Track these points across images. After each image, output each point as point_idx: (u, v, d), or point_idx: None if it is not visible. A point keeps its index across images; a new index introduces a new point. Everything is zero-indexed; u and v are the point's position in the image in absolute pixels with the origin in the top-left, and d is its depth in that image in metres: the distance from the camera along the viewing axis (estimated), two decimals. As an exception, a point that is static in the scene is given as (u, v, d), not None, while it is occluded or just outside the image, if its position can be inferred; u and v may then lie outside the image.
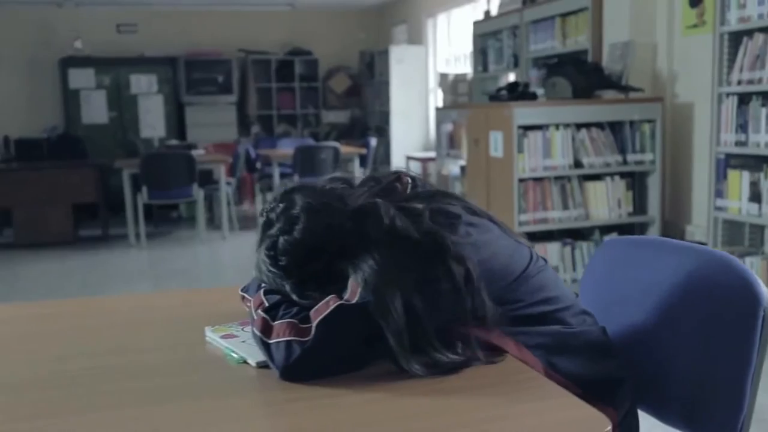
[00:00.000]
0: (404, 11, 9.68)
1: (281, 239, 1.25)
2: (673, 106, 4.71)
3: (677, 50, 4.71)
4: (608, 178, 4.55)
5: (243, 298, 1.51)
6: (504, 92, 4.77)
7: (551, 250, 4.49)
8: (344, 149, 7.89)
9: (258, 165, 8.25)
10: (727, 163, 4.03)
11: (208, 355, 1.32)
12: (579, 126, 4.46)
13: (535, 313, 1.33)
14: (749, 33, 3.85)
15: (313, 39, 10.29)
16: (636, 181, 4.65)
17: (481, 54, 6.85)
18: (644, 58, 4.83)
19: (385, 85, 9.24)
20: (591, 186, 4.53)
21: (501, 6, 6.53)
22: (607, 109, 4.52)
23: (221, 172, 7.15)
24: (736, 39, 3.94)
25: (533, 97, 4.71)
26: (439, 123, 7.92)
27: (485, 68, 6.83)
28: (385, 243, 1.20)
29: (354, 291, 1.17)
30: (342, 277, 1.21)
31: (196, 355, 1.33)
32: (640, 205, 4.65)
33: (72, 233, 7.13)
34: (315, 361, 1.15)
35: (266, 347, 1.18)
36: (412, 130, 9.12)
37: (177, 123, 9.86)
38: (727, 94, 3.98)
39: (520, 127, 4.30)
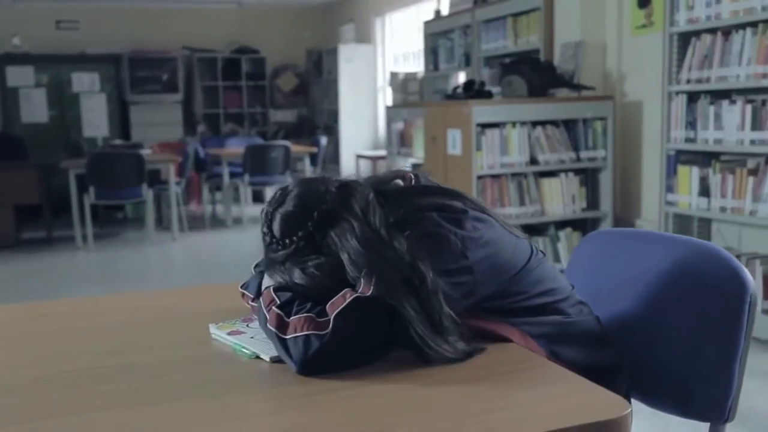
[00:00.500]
0: (352, 10, 9.69)
1: (276, 215, 1.28)
2: (622, 104, 4.85)
3: (626, 50, 4.85)
4: (563, 175, 4.66)
5: (243, 295, 1.52)
6: (460, 90, 4.83)
7: (509, 246, 4.56)
8: (295, 148, 7.86)
9: (207, 164, 8.15)
10: (677, 159, 4.17)
11: (216, 352, 1.32)
12: (534, 124, 4.56)
13: (537, 304, 1.37)
14: (697, 34, 4.00)
15: (259, 37, 10.22)
16: (589, 177, 4.77)
17: (432, 53, 6.92)
18: (595, 57, 4.96)
19: (333, 83, 9.24)
20: (546, 182, 4.63)
21: (452, 6, 6.61)
22: (562, 107, 4.63)
23: (170, 172, 7.05)
24: (684, 39, 4.08)
25: (489, 95, 4.78)
26: (389, 121, 7.97)
27: (436, 67, 6.90)
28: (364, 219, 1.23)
29: (368, 283, 1.18)
30: (327, 246, 1.24)
31: (203, 352, 1.33)
32: (593, 200, 4.78)
33: (14, 236, 6.92)
34: (333, 354, 1.17)
35: (282, 343, 1.19)
36: (361, 128, 9.14)
37: (121, 122, 9.67)
38: (677, 93, 4.12)
39: (478, 124, 4.37)
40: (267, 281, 1.37)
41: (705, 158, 4.10)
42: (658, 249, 1.59)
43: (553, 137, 4.61)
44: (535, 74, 4.60)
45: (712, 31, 3.90)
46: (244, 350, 1.29)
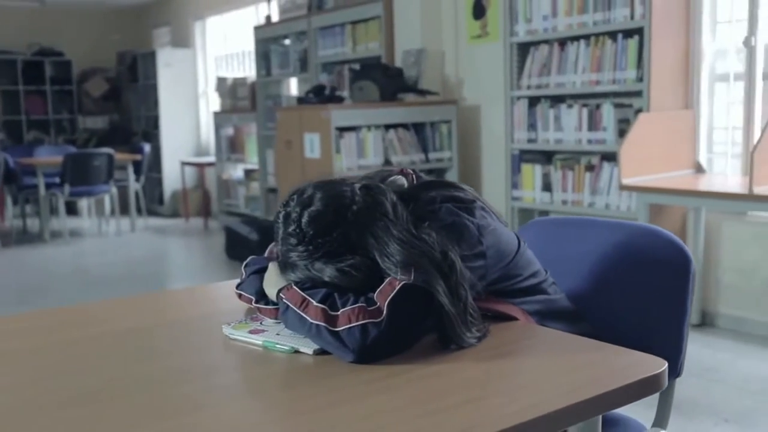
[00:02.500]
0: (166, 13, 9.39)
1: (305, 214, 1.31)
2: (462, 108, 5.18)
3: (463, 58, 5.19)
4: (414, 175, 4.88)
5: (240, 296, 1.52)
6: (312, 95, 4.92)
7: (368, 245, 4.72)
8: (117, 156, 7.50)
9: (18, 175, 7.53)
10: (520, 158, 4.55)
11: (241, 352, 1.32)
12: (387, 127, 4.75)
13: (529, 285, 1.51)
14: (536, 44, 4.40)
15: (64, 39, 9.59)
16: (437, 177, 5.04)
17: (263, 58, 6.92)
18: (435, 64, 5.26)
19: (152, 88, 8.90)
20: (399, 183, 4.83)
21: (283, 12, 6.66)
22: (411, 111, 4.86)
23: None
24: (523, 49, 4.47)
25: (340, 100, 4.91)
26: (218, 127, 7.86)
27: (269, 72, 6.91)
28: (396, 221, 1.31)
29: (408, 274, 1.26)
30: (363, 246, 1.30)
31: (225, 353, 1.33)
32: (441, 199, 5.05)
33: None
34: (389, 340, 1.23)
35: (334, 335, 1.23)
36: (183, 134, 8.89)
37: None
38: (518, 98, 4.50)
39: (336, 128, 4.48)
40: (277, 281, 1.39)
41: (545, 157, 4.51)
42: (599, 233, 1.80)
43: (405, 140, 4.84)
44: (386, 79, 4.80)
45: (550, 42, 4.31)
46: (278, 346, 1.31)
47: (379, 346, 1.22)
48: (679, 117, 3.88)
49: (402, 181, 1.48)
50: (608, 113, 4.01)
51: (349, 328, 1.22)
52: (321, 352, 1.27)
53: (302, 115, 4.69)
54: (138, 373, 1.22)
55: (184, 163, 8.43)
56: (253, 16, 7.97)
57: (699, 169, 3.97)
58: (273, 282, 1.41)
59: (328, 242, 1.31)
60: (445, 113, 4.98)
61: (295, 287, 1.32)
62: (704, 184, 3.68)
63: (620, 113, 3.98)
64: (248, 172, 7.53)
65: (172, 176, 8.78)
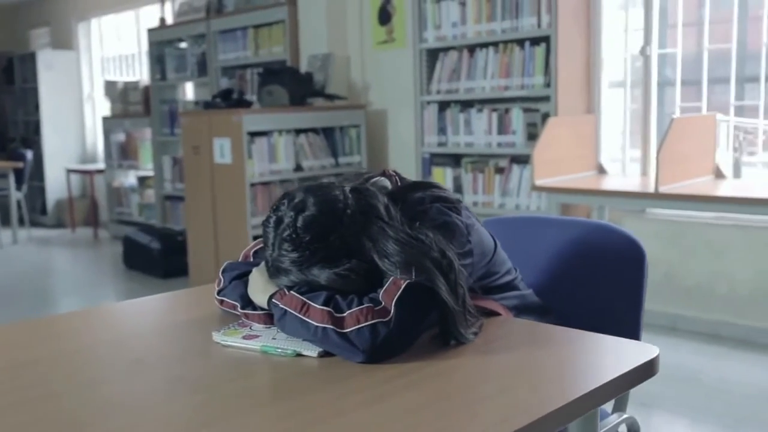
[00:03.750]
0: (45, 13, 8.93)
1: (299, 219, 1.31)
2: (369, 113, 5.23)
3: (369, 63, 5.25)
4: (324, 180, 4.88)
5: (222, 302, 1.49)
6: (219, 100, 4.83)
7: (281, 251, 4.68)
8: (-3, 163, 7.07)
9: None
10: (431, 161, 4.65)
11: (237, 359, 1.30)
12: (298, 131, 4.74)
13: (505, 282, 1.57)
14: (445, 50, 4.51)
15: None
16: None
17: (158, 62, 6.72)
18: (341, 68, 5.28)
19: (31, 92, 8.44)
20: (310, 188, 4.82)
21: (179, 14, 6.49)
22: (321, 116, 4.87)
23: None
24: (433, 55, 4.57)
25: (249, 104, 4.85)
26: (107, 133, 7.56)
27: (164, 76, 6.71)
28: (391, 222, 1.33)
29: (409, 274, 1.28)
30: (360, 249, 1.31)
31: (221, 361, 1.30)
32: (351, 203, 5.08)
33: None
34: (397, 338, 1.24)
35: (342, 337, 1.23)
36: (67, 140, 8.48)
37: None
38: (428, 102, 4.60)
39: (248, 133, 4.42)
40: (265, 287, 1.37)
41: (454, 160, 4.63)
42: (553, 230, 1.88)
43: (315, 144, 4.83)
44: (295, 84, 4.78)
45: (459, 48, 4.43)
46: (278, 350, 1.29)
47: (388, 345, 1.24)
48: (583, 121, 4.08)
49: (385, 182, 1.50)
50: (517, 117, 4.17)
51: (359, 328, 1.23)
52: (324, 354, 1.27)
53: (211, 119, 4.60)
54: (135, 388, 1.18)
55: (69, 171, 8.04)
56: (143, 18, 7.72)
57: (601, 170, 4.19)
58: (261, 288, 1.40)
59: (325, 246, 1.31)
60: (353, 118, 5.01)
61: (292, 292, 1.32)
62: (607, 184, 3.90)
63: (529, 117, 4.15)
64: (142, 179, 7.28)
65: (55, 184, 8.36)
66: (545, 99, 4.10)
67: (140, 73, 7.86)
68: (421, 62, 4.58)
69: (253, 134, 4.49)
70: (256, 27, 5.71)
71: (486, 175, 4.38)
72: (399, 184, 1.50)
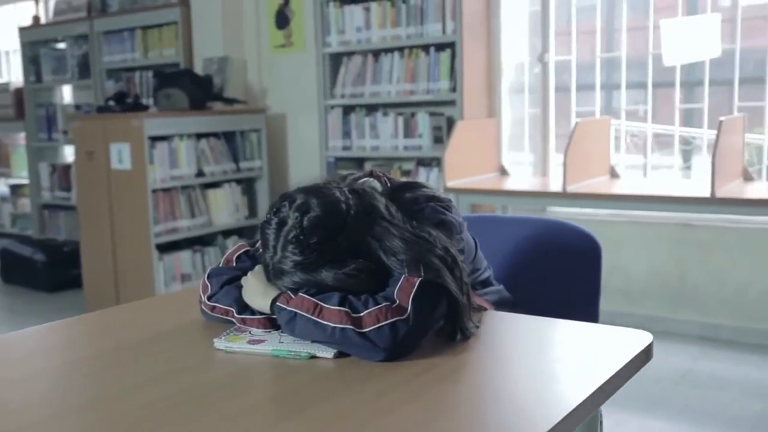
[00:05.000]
0: None
1: (304, 220, 1.31)
2: (268, 117, 5.18)
3: (267, 66, 5.20)
4: (226, 185, 4.81)
5: (214, 308, 1.46)
6: (112, 103, 4.63)
7: (184, 259, 4.56)
8: None
9: None
10: (335, 165, 4.67)
11: (246, 365, 1.27)
12: (199, 136, 4.62)
13: (485, 278, 1.64)
14: (349, 54, 4.54)
15: None
16: (249, 187, 5.00)
17: (32, 63, 6.34)
18: (238, 72, 5.20)
19: None
20: (212, 193, 4.73)
21: (56, 13, 6.16)
22: (221, 120, 4.78)
23: None
24: (336, 59, 4.60)
25: (145, 108, 4.69)
26: (-26, 138, 7.04)
27: (39, 78, 6.34)
28: (393, 221, 1.36)
29: (418, 271, 1.31)
30: (365, 249, 1.33)
31: (231, 368, 1.27)
32: (253, 208, 5.02)
33: None
34: (415, 335, 1.27)
35: (362, 336, 1.24)
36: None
37: None
38: (332, 106, 4.62)
39: (149, 138, 4.28)
40: (265, 291, 1.36)
41: (358, 163, 4.67)
42: (509, 228, 1.97)
43: (216, 149, 4.74)
44: (195, 87, 4.67)
45: (363, 53, 4.48)
46: (291, 354, 1.28)
47: (407, 342, 1.26)
48: (486, 125, 4.24)
49: (375, 184, 1.51)
50: (423, 121, 4.27)
51: (379, 327, 1.24)
52: (341, 355, 1.28)
53: (107, 123, 4.40)
54: (150, 402, 1.13)
55: (-72, 180, 7.42)
56: (17, 15, 7.25)
57: (503, 171, 4.37)
58: (260, 292, 1.38)
59: (332, 247, 1.31)
60: (254, 122, 4.95)
61: (301, 294, 1.31)
62: (511, 184, 4.07)
63: (434, 121, 4.26)
64: (15, 188, 6.84)
65: None
66: (450, 103, 4.22)
67: (9, 74, 7.39)
68: (325, 66, 4.59)
69: (153, 139, 4.34)
70: (145, 28, 5.52)
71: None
72: (388, 185, 1.52)
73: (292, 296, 1.32)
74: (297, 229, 1.31)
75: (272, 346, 1.32)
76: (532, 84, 4.34)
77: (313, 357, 1.28)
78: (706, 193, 3.20)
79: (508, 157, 4.41)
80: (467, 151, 4.02)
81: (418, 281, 1.29)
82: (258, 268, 1.43)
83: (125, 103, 4.62)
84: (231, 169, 4.82)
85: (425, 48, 4.24)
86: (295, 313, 1.30)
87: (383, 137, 4.43)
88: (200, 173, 4.62)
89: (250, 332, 1.39)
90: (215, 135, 4.74)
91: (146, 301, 1.78)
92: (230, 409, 1.08)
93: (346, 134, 4.60)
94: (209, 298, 1.46)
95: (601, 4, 4.14)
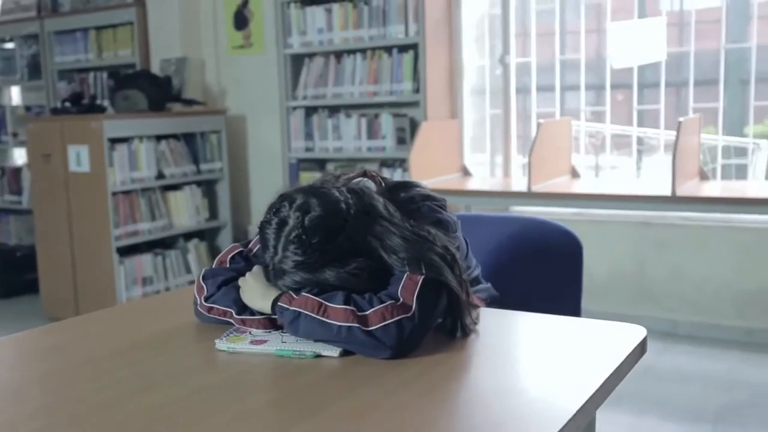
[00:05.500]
0: None
1: (306, 220, 1.32)
2: (228, 118, 5.13)
3: (225, 67, 5.16)
4: (187, 187, 4.75)
5: (211, 309, 1.45)
6: (68, 104, 4.54)
7: (145, 262, 4.49)
8: None
9: None
10: (298, 166, 4.66)
11: (249, 366, 1.26)
12: (159, 138, 4.56)
13: (476, 275, 1.66)
14: (311, 56, 4.54)
15: None
16: (209, 189, 4.95)
17: (-23, 63, 6.15)
18: (195, 73, 5.14)
19: None
20: (172, 195, 4.67)
21: (3, 12, 5.99)
22: (181, 122, 4.72)
23: None
24: (297, 60, 4.58)
25: (103, 109, 4.60)
26: None
27: (-16, 79, 6.16)
28: (392, 218, 1.37)
29: (419, 269, 1.32)
30: (366, 248, 1.34)
31: (234, 369, 1.26)
32: (213, 210, 4.97)
33: None
34: (420, 332, 1.28)
35: (368, 335, 1.24)
36: None
37: None
38: (294, 108, 4.60)
39: (108, 139, 4.20)
40: (265, 292, 1.36)
41: (320, 164, 4.67)
42: (492, 226, 2.00)
43: (176, 151, 4.68)
44: (154, 88, 4.60)
45: (325, 54, 4.48)
46: (296, 353, 1.28)
47: (412, 340, 1.27)
48: (449, 126, 4.28)
49: (370, 184, 1.52)
50: (386, 122, 4.28)
51: (385, 325, 1.25)
52: (346, 353, 1.28)
53: (64, 126, 4.30)
54: (160, 404, 1.12)
55: None
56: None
57: (465, 172, 4.41)
58: (260, 293, 1.38)
59: (333, 247, 1.32)
60: (213, 123, 4.90)
61: (304, 293, 1.31)
62: (475, 184, 4.12)
63: (398, 122, 4.28)
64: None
65: None
66: (413, 104, 4.25)
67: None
68: (286, 68, 4.57)
69: (113, 141, 4.26)
70: (99, 28, 5.41)
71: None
72: (383, 184, 1.53)
73: (294, 296, 1.33)
74: (299, 228, 1.31)
75: (275, 345, 1.32)
76: (492, 85, 4.40)
77: (318, 356, 1.28)
78: (667, 192, 3.29)
79: (469, 158, 4.46)
80: (432, 152, 4.06)
81: (421, 279, 1.30)
82: (256, 268, 1.43)
83: (81, 105, 4.53)
84: (191, 171, 4.76)
85: (388, 49, 4.26)
86: (299, 312, 1.30)
87: (346, 138, 4.44)
88: (160, 175, 4.56)
89: (250, 333, 1.38)
90: (175, 137, 4.68)
91: (134, 303, 1.76)
92: (243, 410, 1.08)
93: (309, 135, 4.59)
94: (206, 299, 1.45)
95: (559, 7, 4.22)
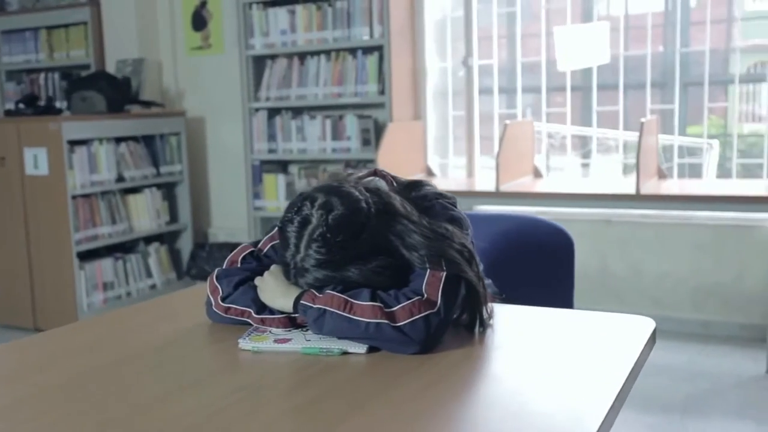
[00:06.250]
0: None
1: (330, 218, 1.33)
2: (188, 120, 5.07)
3: (184, 69, 5.09)
4: (147, 190, 4.68)
5: (228, 309, 1.45)
6: (23, 106, 4.42)
7: (105, 267, 4.40)
8: None
9: None
10: (261, 168, 4.63)
11: (278, 366, 1.27)
12: (118, 140, 4.48)
13: (480, 270, 1.69)
14: (274, 57, 4.52)
15: None
16: (170, 191, 4.88)
17: None
18: (153, 74, 5.07)
19: None
20: (133, 199, 4.59)
21: (-54, 10, 5.79)
22: (141, 123, 4.64)
23: None
24: (259, 62, 4.56)
25: (59, 111, 4.50)
26: None
27: (-72, 80, 5.94)
28: (410, 216, 1.40)
29: (440, 266, 1.35)
30: (386, 246, 1.36)
31: (263, 369, 1.27)
32: (174, 213, 4.90)
33: None
34: (443, 327, 1.31)
35: (397, 330, 1.27)
36: None
37: None
38: (257, 109, 4.58)
39: (68, 142, 4.11)
40: (286, 290, 1.37)
41: (281, 166, 4.66)
42: (487, 224, 2.04)
43: (136, 153, 4.60)
44: (113, 90, 4.52)
45: (288, 55, 4.47)
46: (323, 351, 1.29)
47: (438, 334, 1.30)
48: (413, 127, 4.33)
49: (381, 183, 1.54)
50: (351, 124, 4.30)
51: (413, 321, 1.28)
52: (373, 349, 1.30)
53: (20, 127, 4.19)
54: (182, 411, 1.11)
55: None
56: None
57: (429, 172, 4.47)
58: (281, 291, 1.39)
59: (357, 245, 1.33)
60: (173, 125, 4.83)
61: (328, 291, 1.33)
62: (439, 185, 4.16)
63: (363, 123, 4.30)
64: None
65: None
66: (378, 106, 4.28)
67: None
68: (248, 69, 4.55)
69: (72, 143, 4.17)
70: (50, 28, 5.29)
71: (321, 180, 4.45)
72: (394, 184, 1.55)
73: (317, 294, 1.34)
74: (323, 227, 1.33)
75: (300, 344, 1.33)
76: (455, 87, 4.46)
77: (345, 353, 1.30)
78: (632, 191, 3.40)
79: (433, 159, 4.52)
80: (397, 153, 4.09)
81: (443, 275, 1.33)
82: (274, 267, 1.43)
83: (37, 106, 4.42)
84: (151, 173, 4.68)
85: (352, 51, 4.27)
86: (324, 310, 1.31)
87: (310, 140, 4.44)
88: (120, 178, 4.48)
89: (270, 332, 1.39)
90: (135, 139, 4.60)
91: (137, 307, 1.72)
92: (287, 408, 1.09)
93: (272, 137, 4.57)
94: (223, 300, 1.45)
95: (520, 10, 4.31)
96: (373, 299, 1.30)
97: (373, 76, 4.22)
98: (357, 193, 1.38)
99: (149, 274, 4.67)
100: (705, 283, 3.87)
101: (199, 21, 4.99)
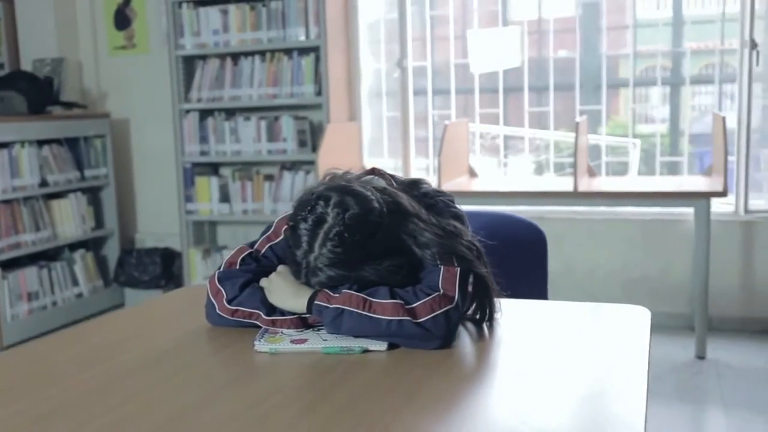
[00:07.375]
0: None
1: (345, 217, 1.33)
2: (112, 122, 4.90)
3: (106, 69, 4.92)
4: (71, 195, 4.49)
5: (235, 311, 1.42)
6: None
7: (29, 276, 4.20)
8: None
9: None
10: (192, 171, 4.53)
11: (299, 366, 1.25)
12: (41, 143, 4.29)
13: (471, 267, 1.73)
14: (204, 57, 4.43)
15: None
16: (95, 196, 4.70)
17: None
18: (73, 75, 4.87)
19: None
20: (56, 204, 4.40)
21: None
22: (64, 125, 4.46)
23: None
24: (190, 62, 4.46)
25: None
26: None
27: None
28: (420, 215, 1.42)
29: (451, 262, 1.37)
30: (398, 244, 1.38)
31: (284, 371, 1.25)
32: (100, 219, 4.73)
33: None
34: (459, 322, 1.34)
35: (419, 326, 1.28)
36: None
37: None
38: (188, 111, 4.47)
39: (-13, 145, 3.90)
40: (297, 291, 1.37)
41: (212, 169, 4.58)
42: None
43: (60, 156, 4.41)
44: (34, 90, 4.32)
45: (220, 56, 4.39)
46: (344, 349, 1.29)
47: (455, 329, 1.33)
48: (348, 128, 4.34)
49: (381, 182, 1.55)
50: (287, 125, 4.27)
51: (434, 316, 1.29)
52: (392, 346, 1.31)
53: (-66, 130, 3.95)
54: (212, 420, 1.09)
55: None
56: None
57: (365, 173, 4.48)
58: (291, 292, 1.38)
59: (372, 244, 1.34)
60: (97, 127, 4.66)
61: (345, 290, 1.33)
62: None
63: (299, 125, 4.28)
64: None
65: None
66: (314, 107, 4.27)
67: None
68: (178, 70, 4.44)
69: (-9, 146, 3.97)
70: (-44, 25, 5.00)
71: (255, 183, 4.41)
72: (393, 182, 1.56)
73: (331, 294, 1.34)
74: (339, 226, 1.32)
75: (317, 343, 1.32)
76: (388, 88, 4.50)
77: (366, 351, 1.30)
78: (570, 188, 3.53)
79: (368, 160, 4.54)
80: (336, 154, 4.09)
81: (458, 271, 1.36)
82: (282, 268, 1.42)
83: (-52, 107, 4.17)
84: (75, 177, 4.50)
85: (287, 52, 4.24)
86: (342, 309, 1.31)
87: (245, 141, 4.37)
88: (44, 183, 4.28)
89: (282, 333, 1.37)
90: (58, 141, 4.42)
91: (126, 312, 1.67)
92: (330, 409, 1.07)
93: (204, 139, 4.48)
94: (230, 302, 1.42)
95: (453, 13, 4.39)
96: (392, 297, 1.31)
97: (309, 77, 4.20)
98: (369, 193, 1.39)
99: (75, 282, 4.49)
100: (633, 275, 4.06)
101: (122, 20, 4.84)
